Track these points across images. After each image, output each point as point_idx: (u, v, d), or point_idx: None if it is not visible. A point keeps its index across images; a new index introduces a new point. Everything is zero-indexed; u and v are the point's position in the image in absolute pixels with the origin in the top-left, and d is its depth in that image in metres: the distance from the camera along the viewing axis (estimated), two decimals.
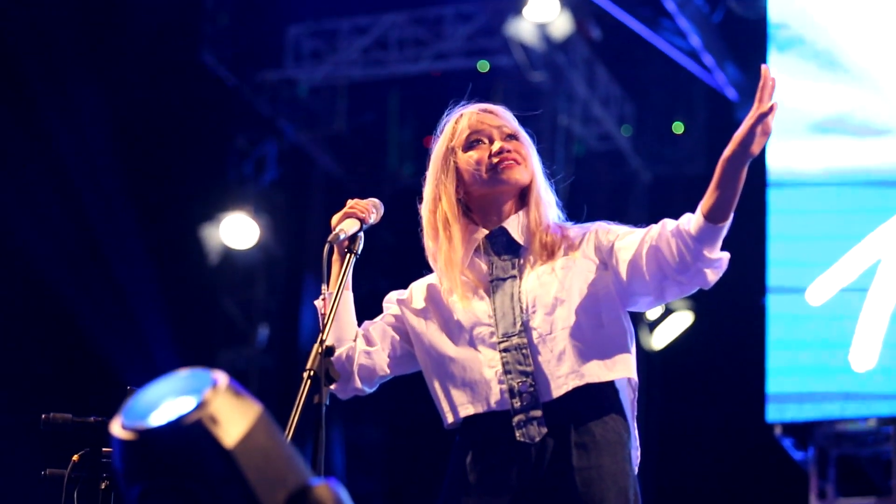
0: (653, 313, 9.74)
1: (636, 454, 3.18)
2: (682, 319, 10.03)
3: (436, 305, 3.25)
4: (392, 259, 9.85)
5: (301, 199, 10.59)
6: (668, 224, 3.05)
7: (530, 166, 3.26)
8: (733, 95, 9.44)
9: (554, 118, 9.63)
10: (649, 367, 9.30)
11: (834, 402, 7.89)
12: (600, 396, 3.12)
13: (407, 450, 10.58)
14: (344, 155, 10.51)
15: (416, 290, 3.32)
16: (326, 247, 3.01)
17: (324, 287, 2.94)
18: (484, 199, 3.26)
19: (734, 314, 9.03)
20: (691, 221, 2.98)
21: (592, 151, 10.28)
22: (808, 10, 8.13)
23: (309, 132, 10.30)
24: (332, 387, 3.15)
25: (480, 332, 3.17)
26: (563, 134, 9.79)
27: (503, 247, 3.23)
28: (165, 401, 1.70)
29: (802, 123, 8.03)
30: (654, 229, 3.08)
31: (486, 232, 3.25)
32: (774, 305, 8.01)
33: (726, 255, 3.02)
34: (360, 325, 3.30)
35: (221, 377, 1.71)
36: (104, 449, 3.32)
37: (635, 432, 3.19)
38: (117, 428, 1.70)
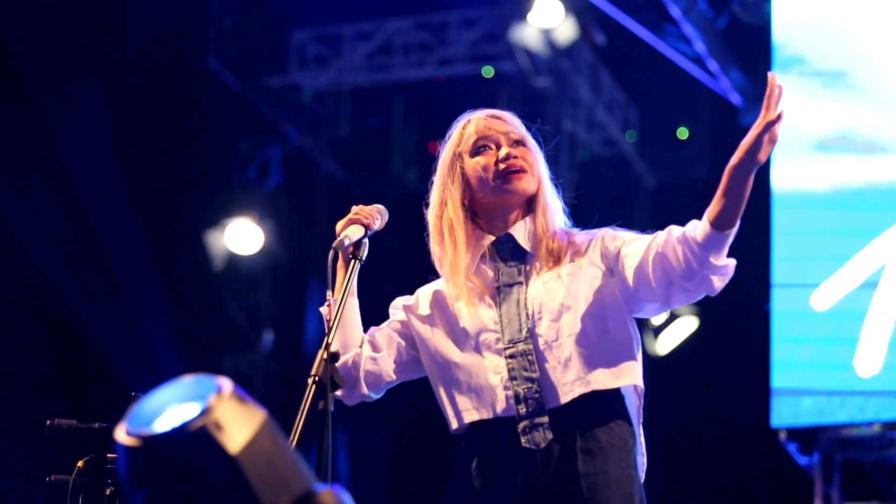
0: (658, 318, 9.73)
1: (642, 460, 3.18)
2: (687, 325, 10.03)
3: (442, 311, 3.25)
4: (396, 264, 9.85)
5: (305, 204, 10.59)
6: (674, 231, 3.05)
7: (537, 173, 3.26)
8: (738, 101, 9.44)
9: (558, 123, 9.63)
10: (654, 372, 9.30)
11: (839, 406, 7.89)
12: (606, 403, 3.12)
13: (411, 455, 10.58)
14: (348, 160, 10.51)
15: (423, 296, 3.32)
16: (331, 253, 3.01)
17: (328, 293, 2.94)
18: (490, 206, 3.26)
19: (739, 319, 9.02)
20: (697, 228, 2.98)
21: (597, 157, 10.27)
22: (808, 29, 8.13)
23: (313, 137, 10.31)
24: (339, 393, 3.16)
25: (486, 338, 3.17)
26: (567, 139, 9.78)
27: (509, 253, 3.23)
28: (170, 407, 1.70)
29: (806, 143, 8.03)
30: (661, 236, 3.08)
31: (493, 238, 3.25)
32: (779, 307, 8.01)
33: (732, 262, 3.02)
34: (365, 331, 3.30)
35: (226, 383, 1.72)
36: (109, 455, 3.32)
37: (641, 438, 3.19)
38: (122, 434, 1.70)
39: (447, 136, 3.34)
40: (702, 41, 9.05)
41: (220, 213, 9.93)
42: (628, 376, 3.13)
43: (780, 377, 7.95)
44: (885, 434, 7.94)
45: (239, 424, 1.68)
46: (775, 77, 2.93)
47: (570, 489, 3.05)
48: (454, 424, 3.20)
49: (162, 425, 1.68)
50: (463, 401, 3.17)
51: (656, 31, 9.29)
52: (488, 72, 9.67)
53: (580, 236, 3.26)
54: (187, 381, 1.75)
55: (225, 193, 10.12)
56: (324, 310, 3.05)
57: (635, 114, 10.35)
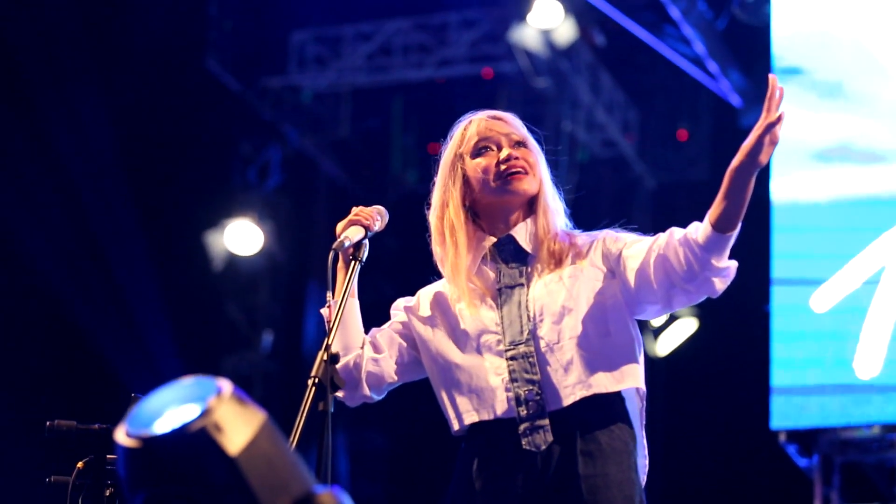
0: (657, 320, 9.73)
1: (644, 462, 3.18)
2: (687, 326, 10.03)
3: (443, 312, 3.25)
4: (396, 265, 9.84)
5: (305, 205, 10.59)
6: (675, 232, 3.05)
7: (538, 174, 3.26)
8: (737, 102, 9.44)
9: (558, 124, 9.63)
10: (654, 373, 9.27)
11: (838, 408, 7.89)
12: (607, 405, 3.12)
13: (411, 456, 10.57)
14: (348, 161, 10.51)
15: (424, 297, 3.32)
16: (331, 254, 3.00)
17: (328, 295, 2.93)
18: (491, 207, 3.26)
19: (738, 320, 9.02)
20: (699, 230, 2.98)
21: (596, 158, 10.27)
22: (806, 41, 8.12)
23: (313, 138, 10.30)
24: (340, 394, 3.16)
25: (487, 339, 3.17)
26: (566, 140, 9.78)
27: (511, 255, 3.23)
28: (170, 408, 1.70)
29: (805, 154, 8.03)
30: (662, 238, 3.08)
31: (494, 240, 3.25)
32: (778, 310, 8.01)
33: (734, 264, 3.02)
34: (367, 332, 3.30)
35: (226, 385, 1.72)
36: (108, 456, 3.32)
37: (643, 441, 3.19)
38: (122, 435, 1.70)
39: (448, 136, 3.34)
40: (701, 42, 9.06)
41: (220, 213, 9.93)
42: (630, 379, 3.13)
43: (779, 379, 7.95)
44: (885, 436, 7.94)
45: (239, 426, 1.68)
46: (776, 79, 2.93)
47: (571, 491, 3.05)
48: (455, 426, 3.20)
49: (162, 427, 1.68)
50: (463, 402, 3.17)
51: (656, 32, 9.29)
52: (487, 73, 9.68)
53: (581, 238, 3.25)
54: (187, 383, 1.75)
55: (225, 194, 10.12)
56: (324, 311, 3.05)
57: (635, 115, 10.35)
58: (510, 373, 3.12)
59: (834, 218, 7.94)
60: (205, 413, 1.67)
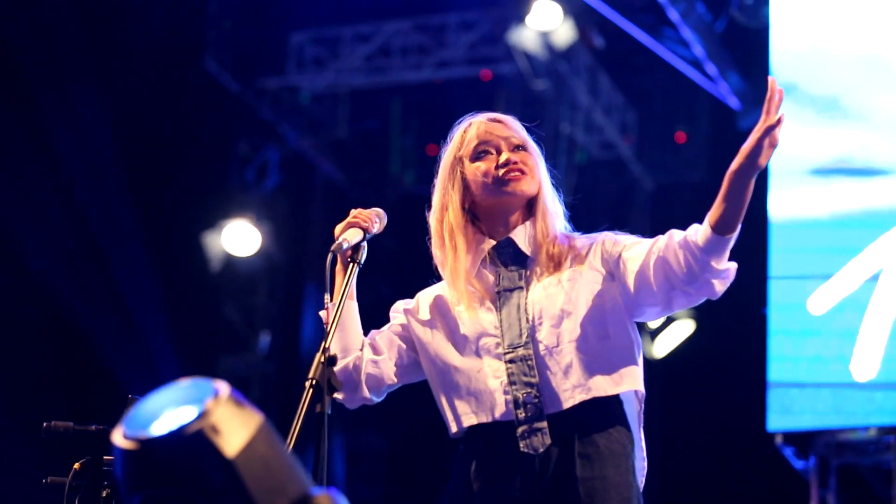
0: (655, 322, 9.73)
1: (642, 465, 3.18)
2: (684, 328, 10.03)
3: (442, 315, 3.26)
4: (394, 267, 9.84)
5: (303, 206, 10.59)
6: (675, 235, 3.05)
7: (537, 177, 3.26)
8: (736, 104, 9.44)
9: (556, 126, 9.63)
10: (651, 375, 9.27)
11: (835, 411, 7.89)
12: (605, 408, 3.12)
13: (408, 457, 10.57)
14: (346, 162, 10.51)
15: (423, 300, 3.32)
16: (329, 256, 3.00)
17: (326, 297, 2.93)
18: (491, 210, 3.26)
19: (736, 323, 9.02)
20: (699, 232, 2.98)
21: (594, 160, 10.28)
22: (800, 56, 8.11)
23: (311, 139, 10.30)
24: (340, 396, 3.17)
25: (486, 342, 3.17)
26: (565, 142, 9.79)
27: (510, 257, 3.24)
28: (167, 410, 1.70)
29: (803, 169, 8.02)
30: (662, 240, 3.08)
31: (494, 242, 3.25)
32: (775, 314, 8.01)
33: (734, 266, 3.02)
34: (366, 334, 3.30)
35: (223, 387, 1.72)
36: (105, 457, 3.32)
37: (642, 443, 3.19)
38: (119, 437, 1.70)
39: (448, 138, 3.34)
40: (700, 45, 9.06)
41: (218, 214, 9.93)
42: (629, 382, 3.14)
43: (776, 381, 7.95)
44: (882, 438, 7.95)
45: (236, 428, 1.68)
46: (776, 81, 2.93)
47: (569, 494, 3.05)
48: (453, 428, 3.20)
49: (159, 428, 1.68)
50: (462, 405, 3.17)
51: (654, 35, 9.30)
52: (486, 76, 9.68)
53: (581, 240, 3.26)
54: (184, 385, 1.75)
55: (223, 195, 10.11)
56: (323, 314, 3.05)
57: (633, 117, 10.35)
58: (509, 376, 3.12)
59: (833, 232, 7.91)
60: (202, 415, 1.67)
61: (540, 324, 3.14)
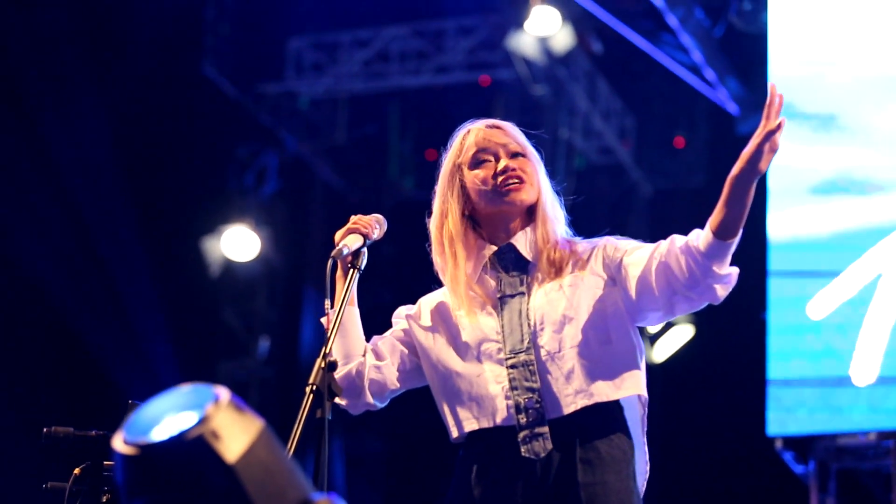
0: (654, 327, 9.73)
1: (644, 469, 3.19)
2: (683, 333, 10.03)
3: (444, 320, 3.26)
4: (393, 272, 9.85)
5: (301, 211, 10.59)
6: (676, 240, 3.05)
7: (536, 184, 3.26)
8: (734, 110, 9.44)
9: (555, 131, 9.63)
10: (650, 380, 9.27)
11: (834, 415, 7.89)
12: (607, 414, 3.13)
13: (408, 461, 10.57)
14: (344, 167, 10.52)
15: (425, 306, 3.33)
16: (330, 262, 3.00)
17: (327, 303, 2.94)
18: (491, 217, 3.27)
19: (735, 327, 9.02)
20: (700, 238, 2.98)
21: (593, 165, 10.28)
22: (793, 74, 8.09)
23: (310, 144, 10.31)
24: (344, 402, 3.18)
25: (488, 347, 3.17)
26: (563, 147, 9.79)
27: (511, 263, 3.24)
28: (167, 416, 1.70)
29: (802, 188, 8.00)
30: (663, 245, 3.08)
31: (495, 248, 3.25)
32: (775, 319, 8.01)
33: (735, 270, 3.02)
34: (368, 339, 3.30)
35: (223, 392, 1.72)
36: (105, 462, 3.32)
37: (644, 447, 3.19)
38: (119, 443, 1.70)
39: (448, 145, 3.35)
40: (699, 50, 9.06)
41: (217, 219, 9.93)
42: (631, 386, 3.14)
43: (776, 385, 7.95)
44: (881, 443, 7.94)
45: (236, 434, 1.68)
46: (775, 87, 2.93)
47: (570, 499, 3.05)
48: (454, 433, 3.20)
49: (159, 434, 1.68)
50: (463, 410, 3.17)
51: (653, 40, 9.30)
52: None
53: (582, 245, 3.26)
54: (185, 390, 1.75)
55: (221, 200, 10.12)
56: (325, 320, 3.05)
57: (632, 122, 10.36)
58: (510, 381, 3.13)
59: (834, 253, 7.89)
60: (202, 421, 1.67)
61: (542, 329, 3.14)
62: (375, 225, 3.18)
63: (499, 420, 3.12)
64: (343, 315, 3.07)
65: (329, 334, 2.88)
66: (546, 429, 3.09)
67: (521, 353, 3.14)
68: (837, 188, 7.97)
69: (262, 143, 10.35)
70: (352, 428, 10.22)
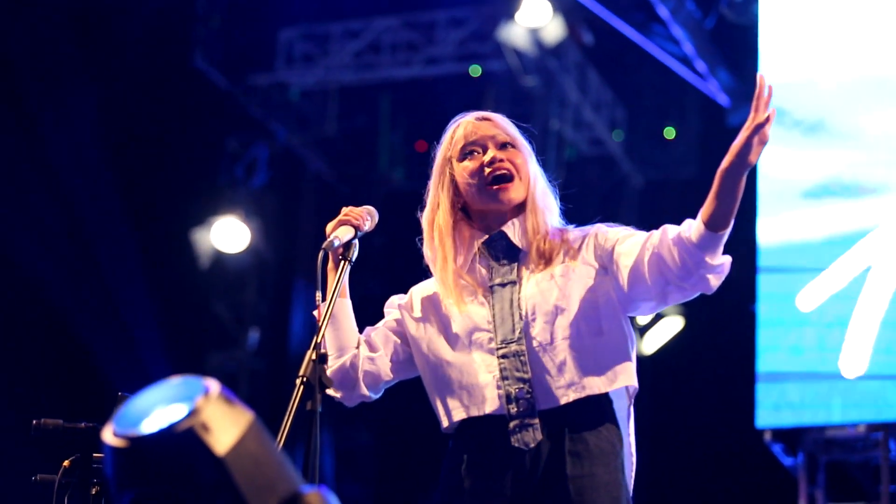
0: (643, 318, 9.74)
1: (631, 461, 3.19)
2: (673, 324, 10.04)
3: (435, 310, 3.26)
4: (383, 263, 9.85)
5: (292, 203, 10.59)
6: (669, 230, 3.05)
7: (525, 176, 3.26)
8: (725, 101, 9.45)
9: (546, 123, 9.63)
10: (640, 371, 9.29)
11: (823, 407, 7.90)
12: (597, 406, 3.12)
13: (398, 454, 10.57)
14: (335, 158, 10.51)
15: (417, 296, 3.32)
16: (321, 254, 2.99)
17: (318, 295, 2.93)
18: (482, 211, 3.26)
19: (724, 319, 9.03)
20: (692, 228, 2.98)
21: (584, 156, 10.28)
22: (784, 79, 8.08)
23: (300, 135, 10.30)
24: (338, 395, 3.18)
25: (479, 337, 3.17)
26: (554, 138, 9.79)
27: (502, 251, 3.23)
28: (157, 408, 1.70)
29: (794, 193, 8.00)
30: (655, 235, 3.08)
31: (486, 237, 3.25)
32: (764, 311, 8.02)
33: (728, 260, 3.02)
34: (361, 331, 3.30)
35: (213, 385, 1.71)
36: (95, 454, 3.31)
37: (630, 439, 3.19)
38: (109, 435, 1.70)
39: (441, 138, 3.34)
40: (689, 42, 9.06)
41: (207, 211, 9.92)
42: (623, 379, 3.14)
43: (765, 378, 7.96)
44: (870, 435, 7.95)
45: (226, 426, 1.68)
46: (764, 78, 2.93)
47: (558, 492, 3.05)
48: (445, 423, 3.20)
49: (149, 426, 1.67)
50: (453, 399, 3.17)
51: (644, 31, 9.30)
52: (476, 71, 9.67)
53: (573, 233, 3.25)
54: (175, 383, 1.74)
55: (212, 191, 10.11)
56: (317, 313, 3.04)
57: (622, 113, 10.36)
58: (501, 371, 3.12)
59: (827, 253, 7.89)
60: (192, 413, 1.67)
61: (533, 320, 3.13)
62: (367, 217, 3.18)
63: (489, 409, 3.12)
64: (335, 307, 3.06)
65: (320, 326, 2.87)
66: (537, 420, 3.09)
67: (512, 343, 3.13)
68: (828, 192, 7.97)
69: (253, 134, 10.33)
70: (341, 420, 10.22)
